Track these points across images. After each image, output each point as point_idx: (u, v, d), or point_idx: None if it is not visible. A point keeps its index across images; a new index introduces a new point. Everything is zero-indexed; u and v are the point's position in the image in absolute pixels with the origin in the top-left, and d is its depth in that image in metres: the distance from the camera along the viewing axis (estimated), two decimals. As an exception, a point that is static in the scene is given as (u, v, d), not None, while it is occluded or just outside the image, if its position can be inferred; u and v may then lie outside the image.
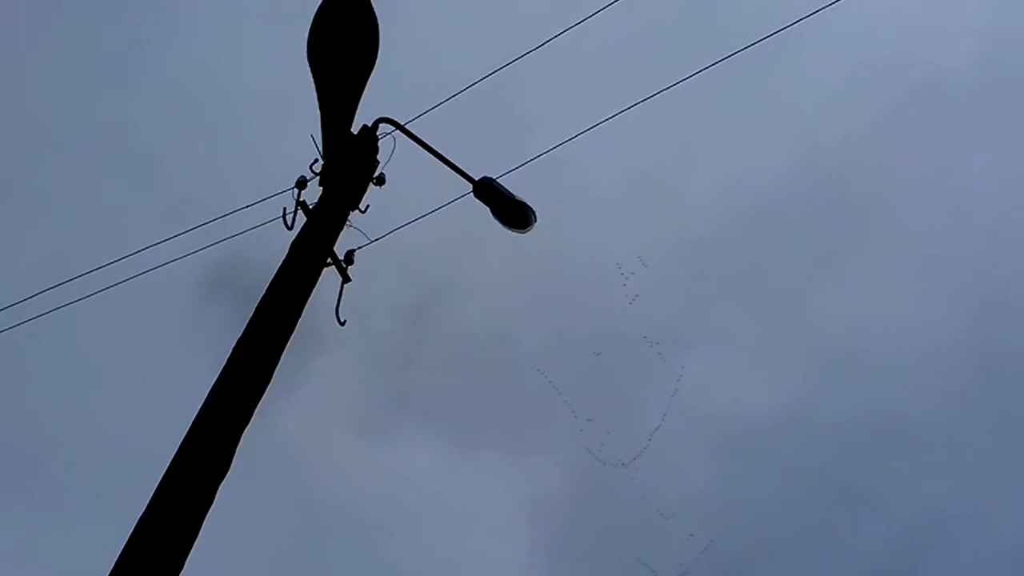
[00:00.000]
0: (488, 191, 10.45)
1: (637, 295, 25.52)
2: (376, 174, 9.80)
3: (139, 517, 6.71)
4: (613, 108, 11.02)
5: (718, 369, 28.87)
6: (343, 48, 9.28)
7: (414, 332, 28.43)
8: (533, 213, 10.48)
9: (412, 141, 10.04)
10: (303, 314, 8.35)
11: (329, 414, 27.00)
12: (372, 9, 9.33)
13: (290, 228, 9.18)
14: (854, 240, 30.96)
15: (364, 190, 9.61)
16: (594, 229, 28.94)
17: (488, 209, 10.55)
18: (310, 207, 9.22)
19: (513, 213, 10.46)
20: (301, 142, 9.58)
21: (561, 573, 24.97)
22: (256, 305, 8.22)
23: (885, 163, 30.39)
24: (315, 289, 8.54)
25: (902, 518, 27.25)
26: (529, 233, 10.64)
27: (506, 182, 10.57)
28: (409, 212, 10.94)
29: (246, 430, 7.42)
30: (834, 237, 31.04)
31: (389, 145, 9.88)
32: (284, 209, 9.29)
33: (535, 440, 27.33)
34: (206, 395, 7.50)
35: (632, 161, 29.87)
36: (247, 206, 10.42)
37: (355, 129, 9.72)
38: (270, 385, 7.81)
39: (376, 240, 9.99)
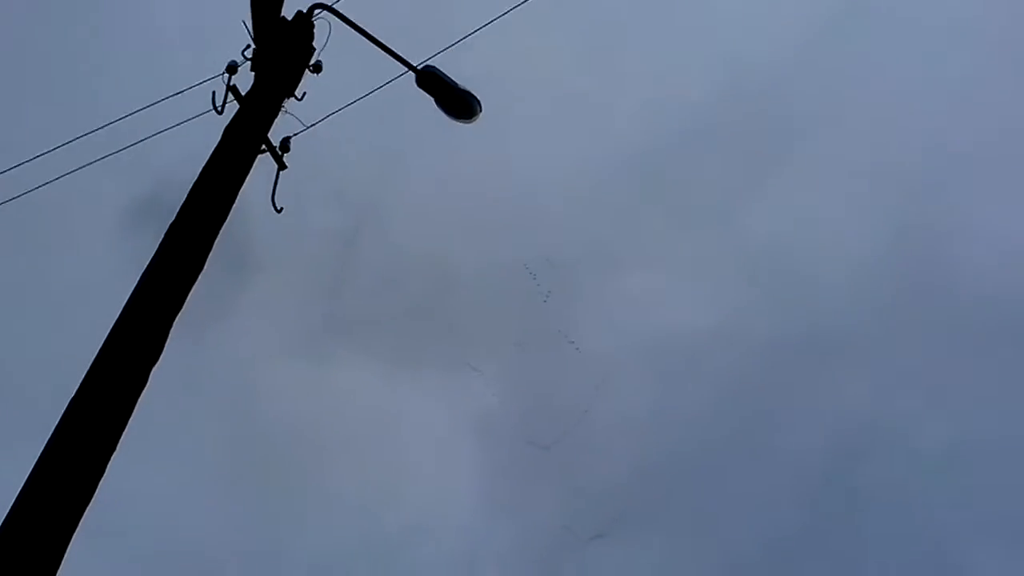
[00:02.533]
0: (431, 80, 9.67)
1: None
2: (312, 61, 9.15)
3: (71, 398, 6.44)
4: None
5: (651, 286, 28.44)
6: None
7: (347, 254, 27.65)
8: (478, 102, 9.71)
9: (351, 28, 9.23)
10: (233, 211, 7.89)
11: (266, 339, 26.27)
12: None
13: (220, 112, 8.61)
14: (782, 157, 30.60)
15: (300, 77, 8.96)
16: (524, 149, 28.21)
17: (431, 99, 9.73)
18: (243, 95, 8.53)
19: (457, 102, 9.69)
20: (233, 32, 8.84)
21: (503, 487, 24.46)
22: (188, 191, 7.70)
23: (811, 81, 29.98)
24: (246, 193, 8.04)
25: (833, 428, 27.14)
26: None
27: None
28: (349, 102, 10.06)
29: (178, 317, 7.15)
30: (762, 154, 30.63)
31: (325, 31, 9.13)
32: (213, 93, 8.54)
33: (473, 358, 26.74)
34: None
35: (559, 82, 29.13)
36: (176, 93, 9.50)
37: (290, 15, 9.05)
38: (203, 271, 7.49)
39: (312, 126, 9.27)
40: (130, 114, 9.94)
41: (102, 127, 9.95)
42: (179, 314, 7.11)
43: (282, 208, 9.12)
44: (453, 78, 9.64)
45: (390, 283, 27.64)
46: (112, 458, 6.40)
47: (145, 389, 6.66)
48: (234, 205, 7.83)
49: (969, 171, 29.47)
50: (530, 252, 27.36)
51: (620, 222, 29.44)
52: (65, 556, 5.95)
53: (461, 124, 9.90)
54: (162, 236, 7.44)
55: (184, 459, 24.12)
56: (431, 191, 28.17)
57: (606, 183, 29.07)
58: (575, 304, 28.01)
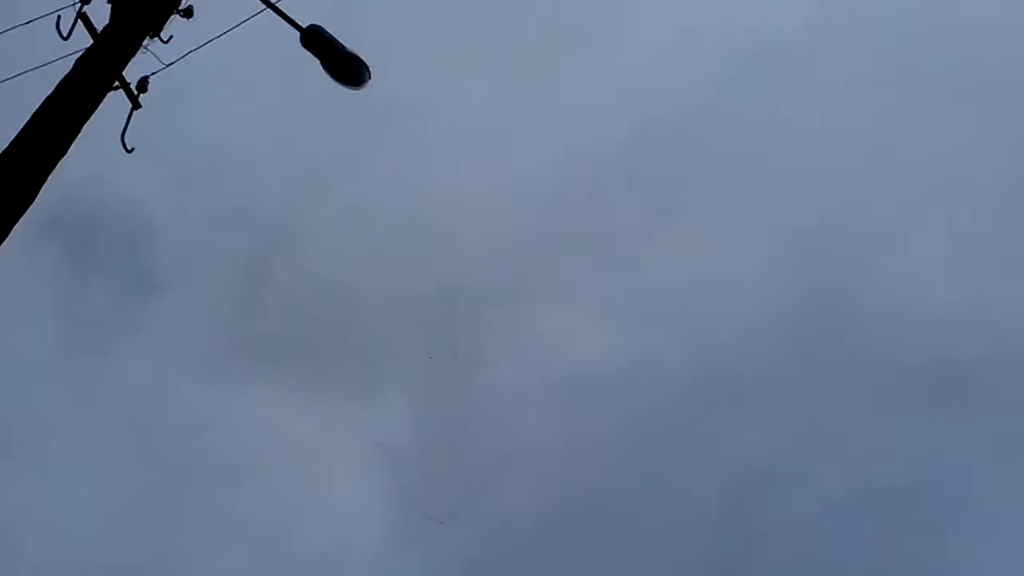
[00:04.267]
0: (316, 40, 8.74)
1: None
2: (183, 6, 8.11)
3: None
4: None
5: (560, 325, 27.87)
6: None
7: (253, 278, 26.67)
8: (367, 68, 8.80)
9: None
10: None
11: (173, 359, 25.19)
12: None
13: (65, 38, 7.62)
14: (690, 204, 30.27)
15: (165, 16, 8.02)
16: (436, 179, 27.59)
17: (317, 62, 8.80)
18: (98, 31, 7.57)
19: (344, 66, 8.80)
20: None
21: (410, 515, 23.60)
22: (27, 120, 6.83)
23: (722, 127, 29.68)
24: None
25: (734, 469, 26.77)
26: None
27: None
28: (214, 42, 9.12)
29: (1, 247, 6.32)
30: (671, 200, 30.29)
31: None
32: (59, 18, 7.58)
33: (382, 385, 25.91)
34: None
35: (474, 118, 28.58)
36: (24, 23, 8.51)
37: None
38: (27, 212, 6.57)
39: (171, 64, 8.28)
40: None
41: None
42: (3, 243, 6.33)
43: (132, 148, 8.11)
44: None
45: (299, 307, 26.73)
46: None
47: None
48: (77, 139, 6.92)
49: (873, 224, 29.46)
50: (442, 280, 26.73)
51: (532, 258, 28.94)
52: None
53: (350, 92, 8.99)
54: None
55: (88, 478, 23.18)
56: (342, 212, 27.39)
57: (519, 217, 28.52)
58: (486, 336, 27.39)
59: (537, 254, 28.83)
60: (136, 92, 8.08)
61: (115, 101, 7.75)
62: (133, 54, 7.54)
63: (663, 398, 26.86)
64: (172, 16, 8.05)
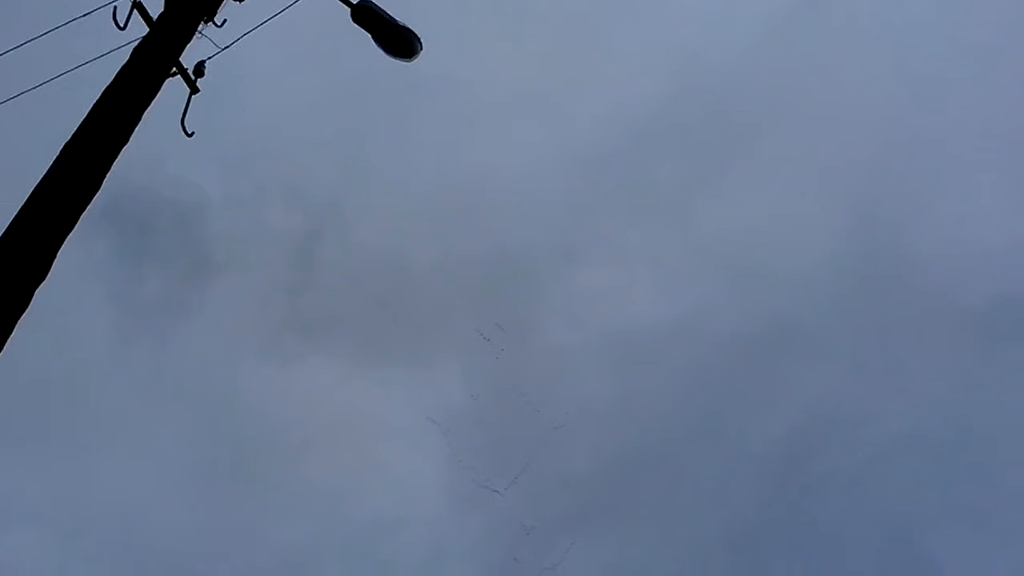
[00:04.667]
0: (367, 14, 8.71)
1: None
2: None
3: None
4: None
5: (612, 283, 27.80)
6: None
7: (304, 255, 26.85)
8: (419, 40, 8.78)
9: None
10: (142, 120, 7.00)
11: (231, 338, 25.51)
12: None
13: (122, 28, 7.62)
14: (739, 153, 30.09)
15: (219, 0, 7.91)
16: (480, 147, 27.54)
17: (369, 36, 8.78)
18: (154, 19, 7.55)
19: (396, 39, 8.76)
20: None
21: (468, 482, 23.71)
22: (90, 109, 6.82)
23: (766, 77, 29.45)
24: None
25: (793, 418, 26.63)
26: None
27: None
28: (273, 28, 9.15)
29: (68, 238, 6.33)
30: (718, 152, 30.10)
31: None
32: (115, 8, 7.60)
33: (435, 354, 26.03)
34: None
35: (518, 82, 28.46)
36: (81, 16, 8.52)
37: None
38: (98, 194, 6.62)
39: (227, 48, 8.30)
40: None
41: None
42: (70, 235, 6.35)
43: (193, 132, 8.15)
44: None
45: (350, 280, 26.88)
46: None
47: (28, 311, 6.01)
48: (138, 127, 6.95)
49: (926, 164, 29.12)
50: (491, 247, 26.72)
51: (580, 218, 28.83)
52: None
53: (402, 63, 8.96)
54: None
55: (155, 458, 23.56)
56: (390, 186, 27.42)
57: (566, 179, 28.46)
58: (537, 297, 27.42)
59: (585, 213, 28.74)
60: (193, 77, 8.09)
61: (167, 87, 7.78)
62: (189, 40, 7.52)
63: (717, 348, 26.83)
64: (225, 0, 8.05)
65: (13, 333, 5.87)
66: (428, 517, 23.82)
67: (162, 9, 7.53)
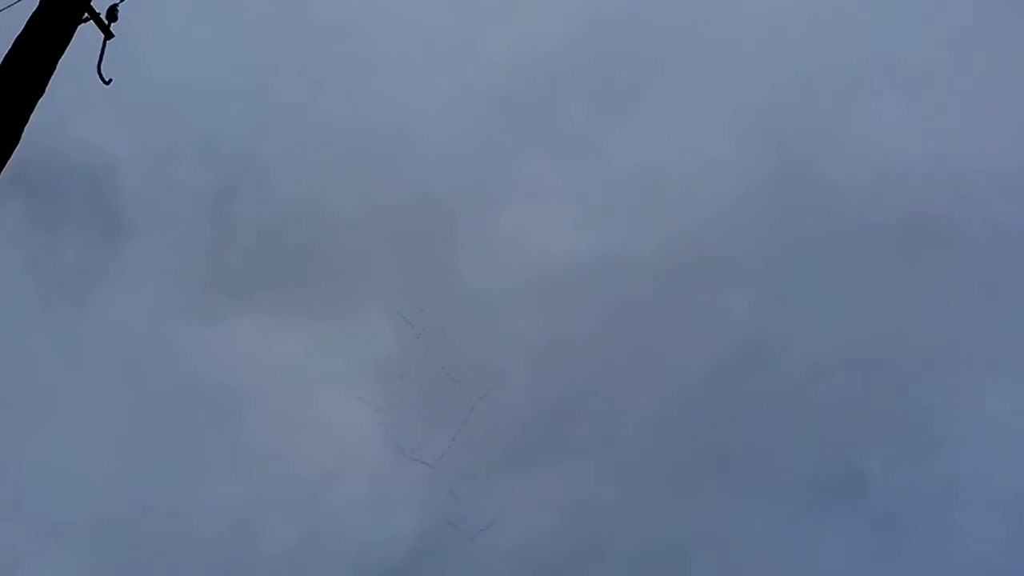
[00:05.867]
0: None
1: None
2: None
3: None
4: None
5: (533, 220, 27.92)
6: None
7: (221, 212, 26.61)
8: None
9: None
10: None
11: (152, 301, 25.21)
12: None
13: None
14: (650, 90, 30.22)
15: None
16: (391, 92, 27.42)
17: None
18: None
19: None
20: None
21: (406, 426, 23.91)
22: (1, 60, 6.78)
23: (674, 14, 29.58)
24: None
25: (721, 346, 27.01)
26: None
27: None
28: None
29: None
30: (630, 88, 30.23)
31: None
32: None
33: (361, 304, 26.04)
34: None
35: (422, 21, 28.36)
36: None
37: None
38: (14, 152, 6.74)
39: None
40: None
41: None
42: None
43: (110, 80, 8.08)
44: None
45: (270, 234, 26.71)
46: None
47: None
48: (53, 75, 6.86)
49: (833, 90, 29.57)
50: (406, 191, 26.72)
51: (496, 158, 28.85)
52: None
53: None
54: None
55: (87, 425, 23.40)
56: (303, 136, 27.25)
57: (480, 120, 28.43)
58: (458, 242, 27.46)
59: (501, 154, 28.77)
60: (107, 22, 7.95)
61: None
62: (100, -18, 7.48)
63: (642, 283, 27.12)
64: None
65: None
66: (369, 465, 23.97)
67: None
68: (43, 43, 6.87)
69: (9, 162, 6.48)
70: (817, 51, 29.40)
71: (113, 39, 7.99)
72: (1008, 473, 24.94)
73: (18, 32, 6.96)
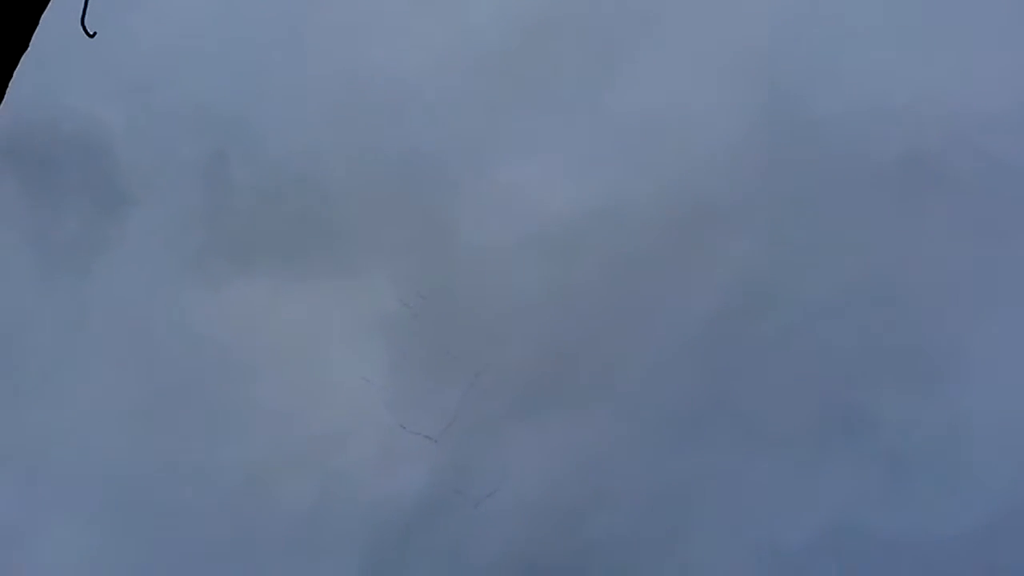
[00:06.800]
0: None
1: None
2: None
3: None
4: None
5: (530, 175, 28.07)
6: None
7: (217, 178, 26.75)
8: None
9: None
10: None
11: (152, 272, 25.43)
12: None
13: None
14: (640, 39, 30.17)
15: None
16: (382, 49, 27.51)
17: None
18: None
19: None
20: None
21: (412, 381, 24.21)
22: None
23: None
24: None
25: (721, 293, 27.23)
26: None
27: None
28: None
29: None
30: (620, 38, 30.20)
31: None
32: None
33: (364, 262, 26.27)
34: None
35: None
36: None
37: None
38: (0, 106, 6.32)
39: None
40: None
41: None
42: None
43: (95, 33, 8.03)
44: None
45: (267, 197, 26.85)
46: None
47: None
48: (35, 31, 6.80)
49: (825, 31, 29.59)
50: (401, 149, 26.86)
51: (489, 114, 28.92)
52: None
53: None
54: None
55: (98, 395, 23.74)
56: (294, 98, 27.34)
57: (470, 76, 28.49)
58: (456, 200, 27.61)
59: (493, 110, 28.87)
60: (90, -29, 7.97)
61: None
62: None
63: (641, 232, 27.29)
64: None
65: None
66: (378, 420, 24.28)
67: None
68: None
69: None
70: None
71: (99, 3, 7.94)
72: (1017, 406, 25.27)
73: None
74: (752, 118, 28.95)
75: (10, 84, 6.68)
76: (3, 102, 6.65)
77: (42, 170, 25.15)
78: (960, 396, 25.65)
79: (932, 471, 25.69)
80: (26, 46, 6.76)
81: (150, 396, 23.88)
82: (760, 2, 29.45)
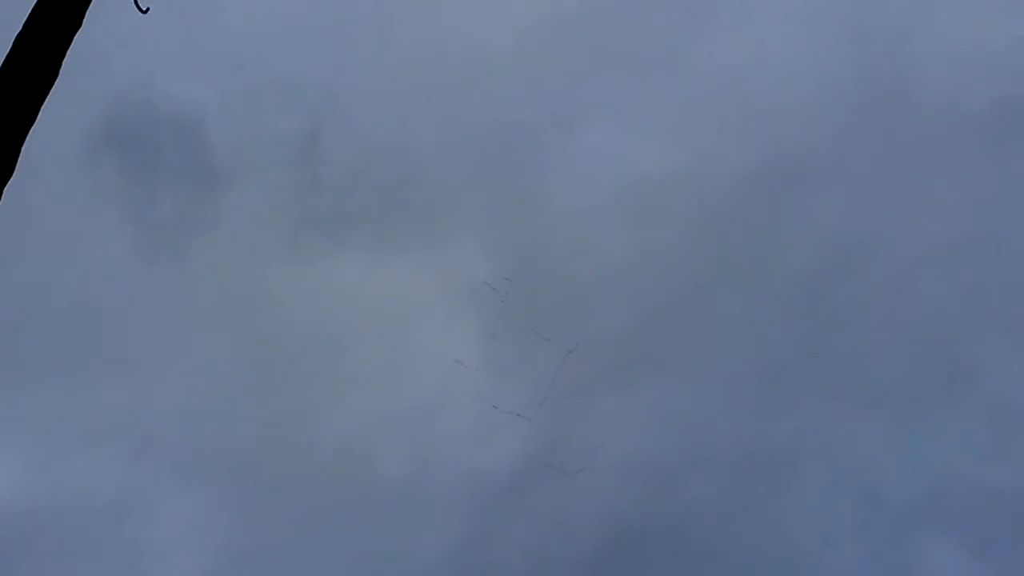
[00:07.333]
0: None
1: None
2: None
3: None
4: None
5: (615, 140, 28.03)
6: None
7: (308, 154, 27.15)
8: None
9: None
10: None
11: (251, 246, 25.98)
12: None
13: None
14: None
15: None
16: (465, 22, 27.66)
17: None
18: None
19: None
20: None
21: (504, 348, 24.42)
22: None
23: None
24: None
25: (813, 249, 26.96)
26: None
27: None
28: None
29: (31, 131, 6.55)
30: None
31: None
32: None
33: (454, 233, 26.53)
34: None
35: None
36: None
37: None
38: (55, 83, 6.78)
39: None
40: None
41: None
42: (32, 127, 6.55)
43: (147, 9, 8.20)
44: None
45: (358, 172, 27.19)
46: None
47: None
48: (88, 8, 7.09)
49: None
50: (487, 120, 26.98)
51: (575, 80, 28.95)
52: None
53: None
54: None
55: (203, 370, 24.40)
56: (382, 73, 27.59)
57: (554, 43, 28.50)
58: (543, 167, 27.68)
59: (578, 75, 28.84)
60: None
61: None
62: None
63: (730, 192, 27.16)
64: None
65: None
66: (472, 388, 24.47)
67: None
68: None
69: (51, 93, 6.62)
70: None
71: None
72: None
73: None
74: (839, 70, 28.46)
75: (64, 61, 6.92)
76: (59, 78, 6.93)
77: (139, 153, 25.76)
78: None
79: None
80: (80, 23, 7.00)
81: (253, 370, 24.39)
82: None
